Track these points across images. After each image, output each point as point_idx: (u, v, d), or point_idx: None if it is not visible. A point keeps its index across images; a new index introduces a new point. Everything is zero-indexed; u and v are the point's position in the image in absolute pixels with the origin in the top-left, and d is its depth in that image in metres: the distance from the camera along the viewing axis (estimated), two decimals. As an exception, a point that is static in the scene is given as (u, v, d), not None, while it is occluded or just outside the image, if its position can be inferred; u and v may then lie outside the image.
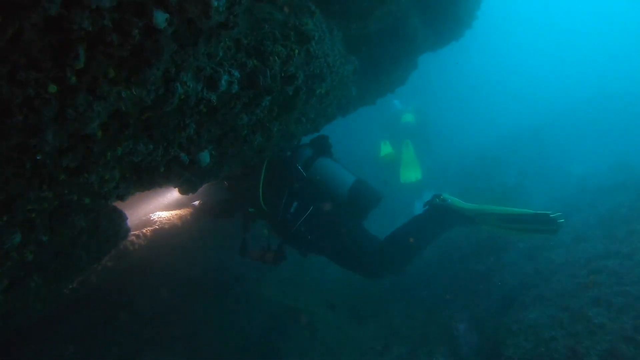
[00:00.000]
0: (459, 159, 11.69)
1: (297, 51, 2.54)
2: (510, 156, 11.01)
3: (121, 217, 3.56)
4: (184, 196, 4.81)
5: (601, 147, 11.50)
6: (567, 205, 6.97)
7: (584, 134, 12.84)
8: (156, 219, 5.26)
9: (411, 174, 9.60)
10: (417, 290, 5.43)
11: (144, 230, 5.12)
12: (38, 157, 1.69)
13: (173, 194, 5.43)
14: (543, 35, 27.87)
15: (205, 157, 2.94)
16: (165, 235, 5.30)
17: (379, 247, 4.29)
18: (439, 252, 6.11)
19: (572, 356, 3.01)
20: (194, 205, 5.34)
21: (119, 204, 3.30)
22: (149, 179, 2.82)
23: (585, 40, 26.89)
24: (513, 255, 5.59)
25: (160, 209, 5.54)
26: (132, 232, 4.85)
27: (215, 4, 1.54)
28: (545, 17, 28.81)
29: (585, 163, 10.67)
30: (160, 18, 1.33)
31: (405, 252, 4.26)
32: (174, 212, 5.44)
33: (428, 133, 11.82)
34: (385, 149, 10.33)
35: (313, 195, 4.16)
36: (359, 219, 4.44)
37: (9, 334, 3.81)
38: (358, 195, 4.17)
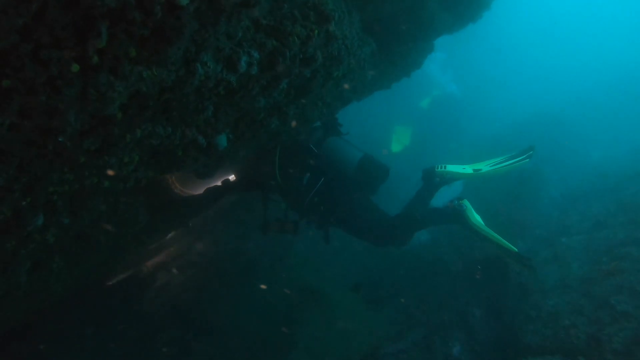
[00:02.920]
0: (473, 146, 11.53)
1: (316, 32, 2.48)
2: (526, 141, 10.79)
3: (139, 201, 3.57)
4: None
5: (621, 132, 11.22)
6: (586, 192, 6.85)
7: (603, 118, 12.54)
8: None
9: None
10: (432, 276, 5.40)
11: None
12: (60, 139, 1.69)
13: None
14: (561, 19, 27.10)
15: (222, 140, 2.92)
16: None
17: (390, 219, 4.47)
18: (455, 238, 6.06)
19: (593, 343, 2.96)
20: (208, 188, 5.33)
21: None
22: (166, 162, 2.82)
23: (605, 24, 26.10)
24: (530, 242, 5.52)
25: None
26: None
27: (237, -19, 1.49)
28: (564, 1, 27.96)
29: (605, 148, 10.44)
30: (183, -6, 1.30)
31: (412, 228, 4.46)
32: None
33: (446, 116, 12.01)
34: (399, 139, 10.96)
35: (324, 169, 4.45)
36: (368, 192, 4.65)
37: (32, 315, 3.90)
38: (365, 169, 4.43)
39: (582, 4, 27.62)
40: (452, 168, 4.44)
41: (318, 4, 2.45)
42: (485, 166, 4.40)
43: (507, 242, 3.94)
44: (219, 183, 5.24)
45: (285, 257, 5.99)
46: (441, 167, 4.46)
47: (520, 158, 4.32)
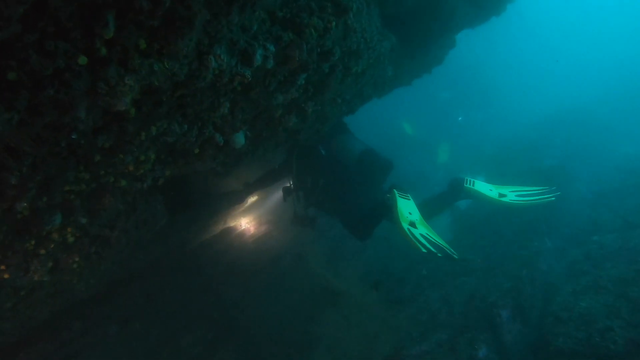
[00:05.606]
0: (496, 143, 11.29)
1: (334, 23, 2.40)
2: (552, 138, 10.48)
3: (157, 200, 3.57)
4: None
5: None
6: (617, 188, 6.56)
7: (632, 113, 12.06)
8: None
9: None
10: (456, 276, 5.26)
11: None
12: (73, 136, 1.66)
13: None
14: (587, 12, 26.26)
15: (240, 138, 2.87)
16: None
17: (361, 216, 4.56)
18: (479, 236, 5.90)
19: (633, 349, 2.79)
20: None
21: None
22: (184, 161, 2.79)
23: (630, 17, 25.14)
24: (558, 241, 5.31)
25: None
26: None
27: (249, -32, 1.43)
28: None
29: (635, 144, 10.01)
30: (192, -19, 1.24)
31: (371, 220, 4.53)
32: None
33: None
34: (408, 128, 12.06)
35: (325, 171, 4.68)
36: (373, 183, 4.74)
37: (56, 313, 3.95)
38: (365, 162, 4.55)
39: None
40: (479, 187, 4.37)
41: (335, -5, 2.37)
42: (509, 192, 4.33)
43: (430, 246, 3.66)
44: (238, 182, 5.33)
45: (306, 256, 5.94)
46: (470, 184, 4.41)
47: (545, 196, 4.20)
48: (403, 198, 4.03)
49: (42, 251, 2.49)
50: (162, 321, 5.06)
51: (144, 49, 1.37)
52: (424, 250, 3.52)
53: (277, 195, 6.41)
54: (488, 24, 6.83)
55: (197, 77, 1.72)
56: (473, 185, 4.40)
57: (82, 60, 1.20)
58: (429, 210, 4.58)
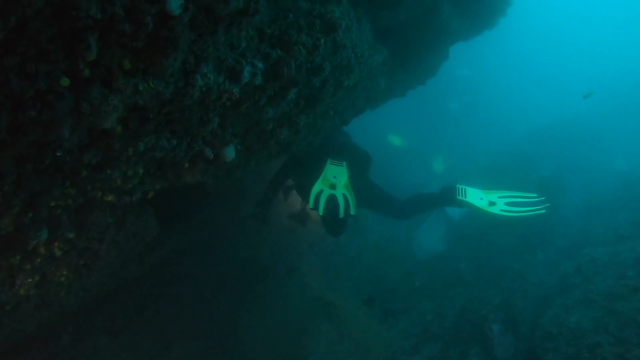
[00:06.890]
0: (489, 154, 11.35)
1: (323, 40, 2.42)
2: (545, 149, 10.56)
3: (148, 213, 3.56)
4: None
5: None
6: (609, 201, 6.60)
7: (627, 126, 12.17)
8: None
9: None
10: (448, 288, 5.26)
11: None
12: (58, 154, 1.66)
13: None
14: (579, 24, 26.57)
15: (230, 151, 2.87)
16: (194, 230, 5.30)
17: None
18: (472, 247, 5.90)
19: (620, 365, 2.79)
20: None
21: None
22: (174, 175, 2.78)
23: (625, 28, 25.46)
24: (550, 253, 5.33)
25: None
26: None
27: (235, -11, 1.44)
28: (581, 5, 27.37)
29: (629, 156, 10.09)
30: (175, 4, 1.25)
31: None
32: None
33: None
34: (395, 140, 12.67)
35: (308, 167, 4.76)
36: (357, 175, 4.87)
37: (45, 326, 3.91)
38: (341, 154, 4.66)
39: (599, 9, 27.05)
40: (470, 199, 4.44)
41: (324, 12, 2.39)
42: (498, 199, 4.41)
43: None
44: None
45: (298, 267, 5.92)
46: (462, 195, 4.47)
47: (534, 208, 4.28)
48: (335, 165, 4.44)
49: (28, 266, 2.47)
50: (153, 332, 5.02)
51: (129, 69, 1.38)
52: (311, 206, 4.18)
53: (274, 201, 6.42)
54: (481, 36, 6.91)
55: (184, 95, 1.73)
56: (465, 196, 4.44)
57: (65, 81, 1.21)
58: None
